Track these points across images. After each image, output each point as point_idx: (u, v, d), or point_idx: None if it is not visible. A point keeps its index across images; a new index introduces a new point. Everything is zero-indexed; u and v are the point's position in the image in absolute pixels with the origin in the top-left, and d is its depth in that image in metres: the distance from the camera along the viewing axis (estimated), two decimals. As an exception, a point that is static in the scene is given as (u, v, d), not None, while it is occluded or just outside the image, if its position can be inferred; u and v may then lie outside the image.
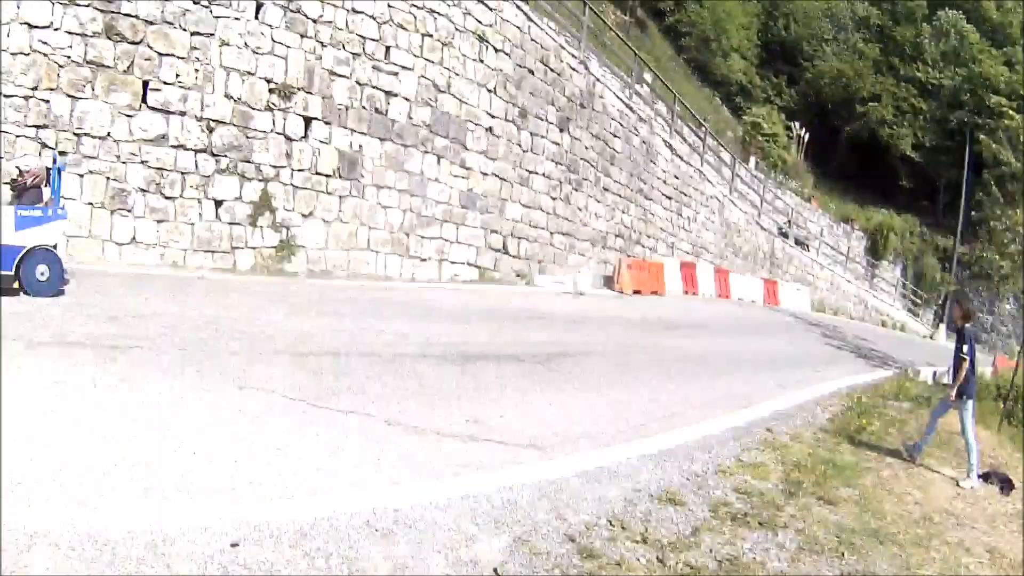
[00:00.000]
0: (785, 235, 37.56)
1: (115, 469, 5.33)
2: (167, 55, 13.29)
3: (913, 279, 50.44)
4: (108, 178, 13.12)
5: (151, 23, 13.13)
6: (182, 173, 13.63)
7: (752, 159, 41.37)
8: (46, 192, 10.77)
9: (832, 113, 50.56)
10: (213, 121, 13.77)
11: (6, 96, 12.36)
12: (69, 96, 12.81)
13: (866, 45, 51.06)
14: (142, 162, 13.31)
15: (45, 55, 12.59)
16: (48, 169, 10.80)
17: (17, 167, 10.99)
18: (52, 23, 12.59)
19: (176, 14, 13.25)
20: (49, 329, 8.68)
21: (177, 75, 13.39)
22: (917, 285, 50.03)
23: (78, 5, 12.70)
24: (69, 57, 12.76)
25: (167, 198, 13.55)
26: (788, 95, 50.93)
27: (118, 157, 13.15)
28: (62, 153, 12.13)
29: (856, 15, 52.47)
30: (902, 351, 23.56)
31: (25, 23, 12.44)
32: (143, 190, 13.36)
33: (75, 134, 12.89)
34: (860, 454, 9.71)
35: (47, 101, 12.68)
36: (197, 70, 13.54)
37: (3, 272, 9.79)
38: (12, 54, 12.41)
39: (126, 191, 13.24)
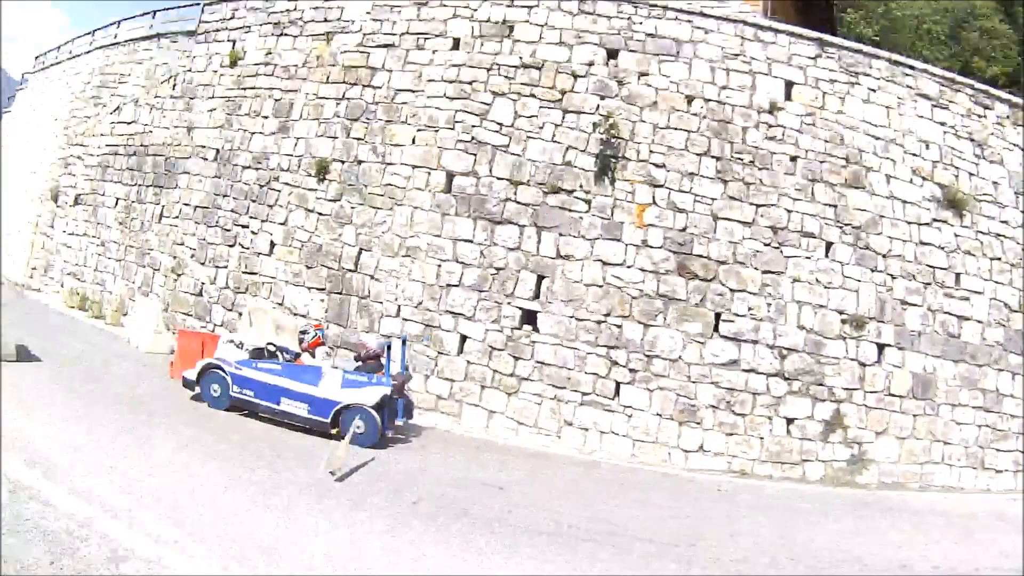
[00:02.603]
0: None
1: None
2: (738, 291, 16.14)
3: None
4: (677, 395, 15.85)
5: (722, 263, 16.25)
6: (753, 393, 15.91)
7: None
8: (394, 365, 14.29)
9: None
10: (785, 349, 16.07)
11: (578, 320, 16.31)
12: (640, 323, 16.16)
13: None
14: (712, 383, 15.87)
15: (618, 288, 16.28)
16: (388, 348, 14.12)
17: (361, 342, 15.24)
18: (625, 261, 16.38)
19: (747, 255, 16.27)
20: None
21: (749, 308, 16.12)
22: None
23: (651, 247, 16.40)
24: (641, 291, 16.22)
25: (737, 414, 15.79)
26: None
27: (688, 377, 15.93)
28: (403, 340, 15.28)
29: None
30: None
31: (599, 260, 16.43)
32: (713, 407, 15.81)
33: (646, 355, 16.08)
34: None
35: (619, 327, 16.17)
36: (769, 304, 16.16)
37: (322, 419, 13.43)
38: (586, 285, 16.41)
39: (695, 406, 15.80)
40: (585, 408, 16.05)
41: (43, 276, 27.97)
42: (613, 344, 16.13)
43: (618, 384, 16.04)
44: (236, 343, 14.83)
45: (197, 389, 14.48)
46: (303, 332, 15.35)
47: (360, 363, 14.59)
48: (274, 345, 15.03)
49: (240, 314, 19.10)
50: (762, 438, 15.80)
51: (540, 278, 16.65)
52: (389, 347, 14.12)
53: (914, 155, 17.53)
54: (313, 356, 14.62)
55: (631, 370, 16.01)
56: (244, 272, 19.64)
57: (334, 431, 13.34)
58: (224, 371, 14.19)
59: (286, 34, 20.92)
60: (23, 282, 28.87)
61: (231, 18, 22.76)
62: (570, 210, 16.75)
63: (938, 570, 10.19)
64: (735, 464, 15.63)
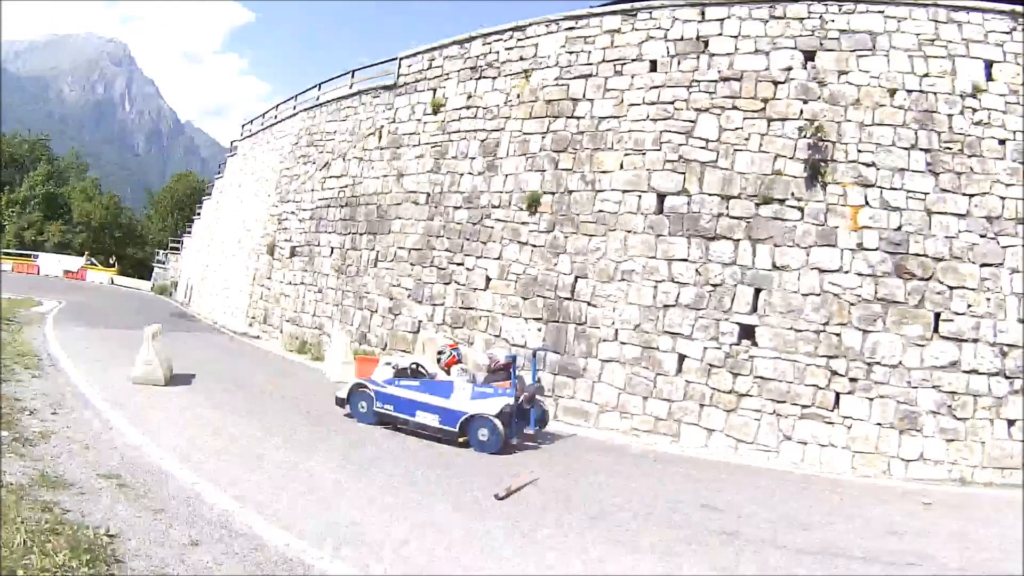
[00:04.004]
0: None
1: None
2: (957, 288, 16.50)
3: None
4: (898, 402, 16.23)
5: (939, 259, 16.64)
6: (974, 396, 16.08)
7: None
8: (527, 376, 16.32)
9: None
10: (1006, 346, 16.22)
11: (797, 331, 16.88)
12: (859, 329, 16.67)
13: None
14: (933, 387, 16.20)
15: (835, 295, 16.84)
16: (514, 360, 15.50)
17: (489, 355, 17.06)
18: (842, 267, 16.93)
19: (964, 248, 16.59)
20: None
21: (968, 305, 16.43)
22: None
23: (866, 250, 16.88)
24: (859, 296, 16.76)
25: (958, 419, 16.02)
26: None
27: (908, 383, 16.30)
28: (534, 353, 17.33)
29: None
30: None
31: (816, 268, 17.02)
32: (934, 412, 16.10)
33: (866, 363, 16.52)
34: None
35: (838, 335, 16.72)
36: (988, 299, 16.42)
37: (451, 428, 14.84)
38: (803, 295, 17.02)
39: (916, 413, 16.13)
40: (804, 421, 16.54)
41: (262, 324, 30.92)
42: (832, 354, 16.65)
43: (838, 395, 16.45)
44: (393, 365, 16.97)
45: (348, 408, 16.58)
46: (440, 352, 16.97)
47: (490, 375, 16.14)
48: (417, 364, 16.96)
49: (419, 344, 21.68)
50: (983, 443, 15.82)
51: (757, 291, 17.37)
52: (514, 359, 15.60)
53: (1119, 121, 17.33)
54: (448, 374, 16.26)
55: (851, 379, 16.45)
56: (461, 308, 21.64)
57: (461, 440, 14.75)
58: (370, 389, 16.21)
59: (484, 76, 22.98)
60: (243, 331, 31.87)
61: (428, 68, 25.15)
62: (783, 219, 17.39)
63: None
64: (955, 472, 15.72)
